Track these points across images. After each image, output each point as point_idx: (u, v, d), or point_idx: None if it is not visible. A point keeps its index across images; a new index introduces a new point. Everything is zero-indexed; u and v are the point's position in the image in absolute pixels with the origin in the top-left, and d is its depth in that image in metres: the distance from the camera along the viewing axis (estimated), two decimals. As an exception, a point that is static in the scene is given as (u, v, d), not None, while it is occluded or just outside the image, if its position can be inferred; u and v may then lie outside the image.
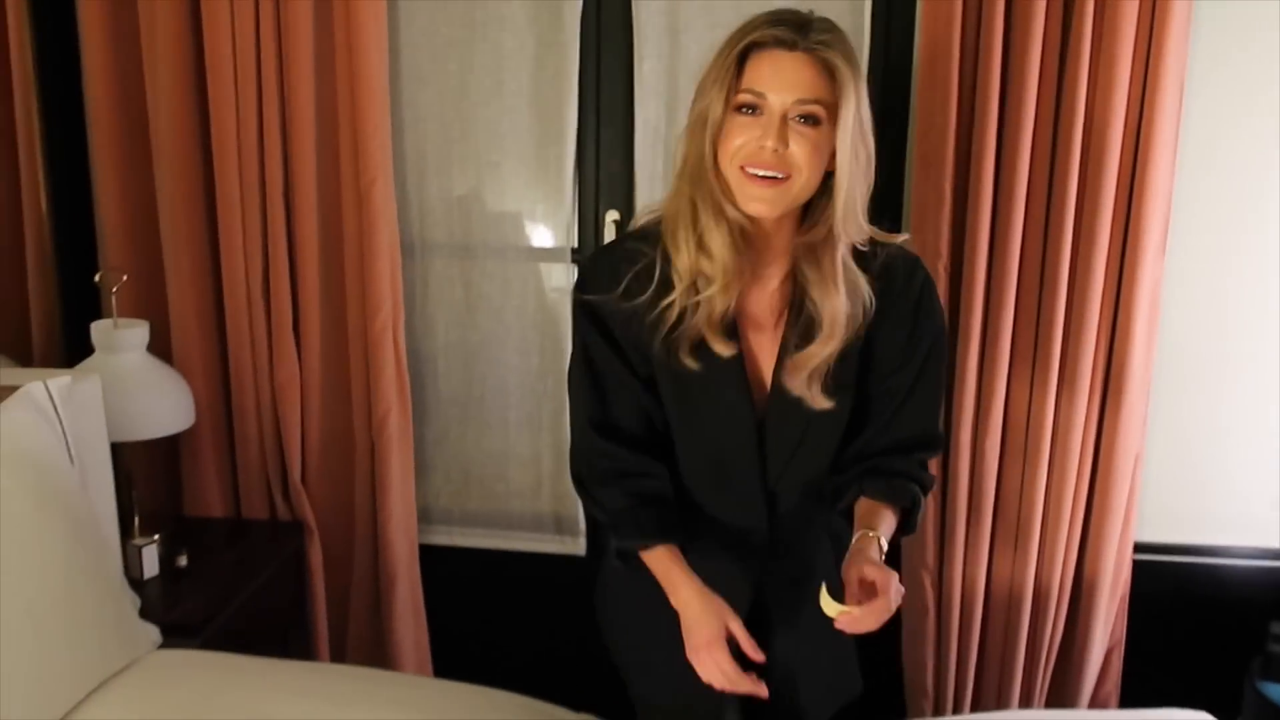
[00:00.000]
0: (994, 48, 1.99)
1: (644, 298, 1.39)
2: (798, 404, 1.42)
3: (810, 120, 1.29)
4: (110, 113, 2.21)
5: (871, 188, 1.38)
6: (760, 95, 1.29)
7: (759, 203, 1.32)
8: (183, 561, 2.08)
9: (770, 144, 1.28)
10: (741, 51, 1.30)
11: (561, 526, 2.46)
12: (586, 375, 1.48)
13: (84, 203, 2.32)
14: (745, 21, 1.33)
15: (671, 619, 1.46)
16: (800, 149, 1.29)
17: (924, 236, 2.09)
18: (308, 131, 2.16)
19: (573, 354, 1.53)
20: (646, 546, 1.46)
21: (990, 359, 2.12)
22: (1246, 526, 2.29)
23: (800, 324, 1.41)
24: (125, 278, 2.14)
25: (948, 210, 2.08)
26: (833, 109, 1.29)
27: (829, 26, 1.31)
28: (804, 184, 1.32)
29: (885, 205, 2.21)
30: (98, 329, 2.05)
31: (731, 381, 1.43)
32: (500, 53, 2.26)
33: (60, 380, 1.77)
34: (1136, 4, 1.94)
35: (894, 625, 1.69)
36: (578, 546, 2.45)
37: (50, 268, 2.28)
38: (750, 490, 1.49)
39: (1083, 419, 2.13)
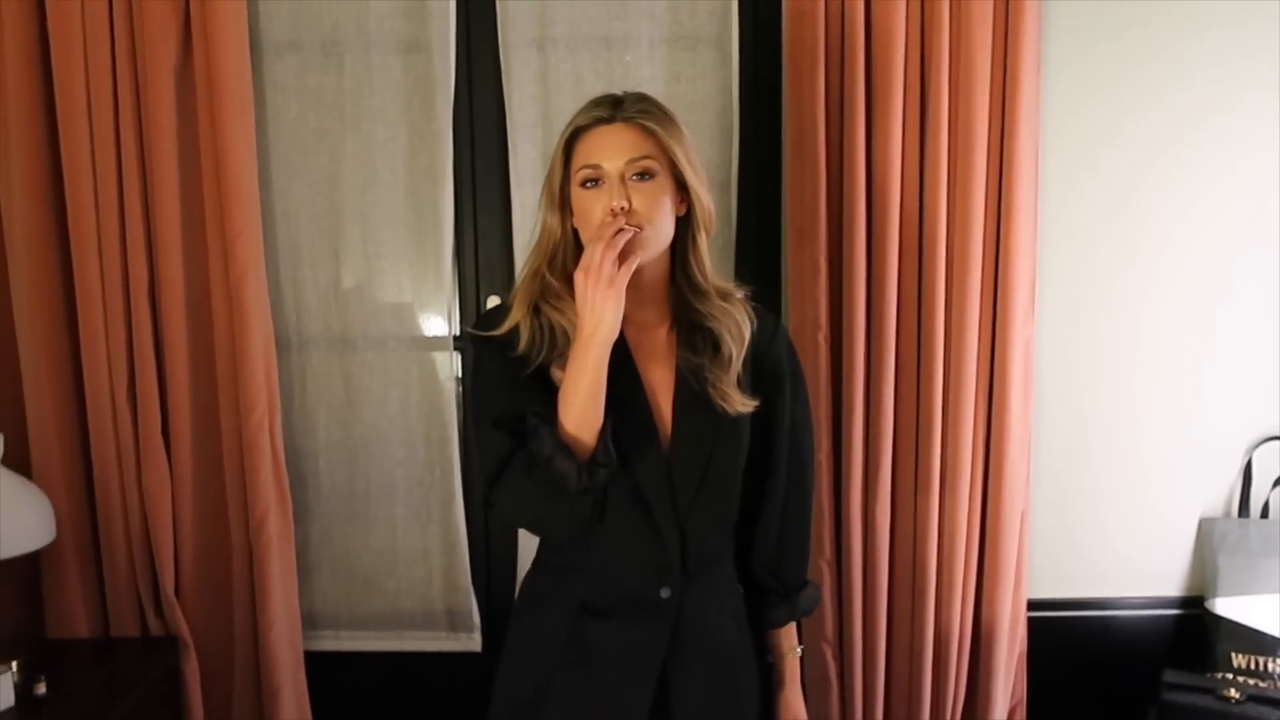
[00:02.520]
0: (857, 124, 2.06)
1: (529, 343, 1.46)
2: (699, 436, 1.48)
3: (645, 175, 1.42)
4: (-40, 215, 2.12)
5: (714, 227, 1.52)
6: (596, 166, 1.42)
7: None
8: (41, 689, 1.93)
9: (616, 203, 1.40)
10: (569, 138, 1.46)
11: (455, 623, 2.38)
12: (497, 387, 1.47)
13: (-68, 310, 2.20)
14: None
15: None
16: (642, 201, 1.41)
17: (802, 308, 2.13)
18: (173, 227, 2.10)
19: (473, 399, 1.54)
20: (542, 419, 1.39)
21: (875, 427, 2.15)
22: (1133, 578, 2.34)
23: (695, 347, 1.50)
24: (-24, 387, 2.03)
25: (824, 281, 2.12)
26: (662, 160, 1.43)
27: (641, 98, 1.47)
28: (658, 229, 1.43)
29: (763, 279, 2.24)
30: (-55, 443, 1.93)
31: (637, 414, 1.47)
32: (372, 144, 2.24)
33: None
34: (989, 65, 2.05)
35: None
36: (473, 643, 2.37)
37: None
38: (665, 524, 1.47)
39: (968, 481, 2.17)
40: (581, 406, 1.38)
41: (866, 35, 2.06)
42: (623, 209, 1.40)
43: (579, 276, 1.37)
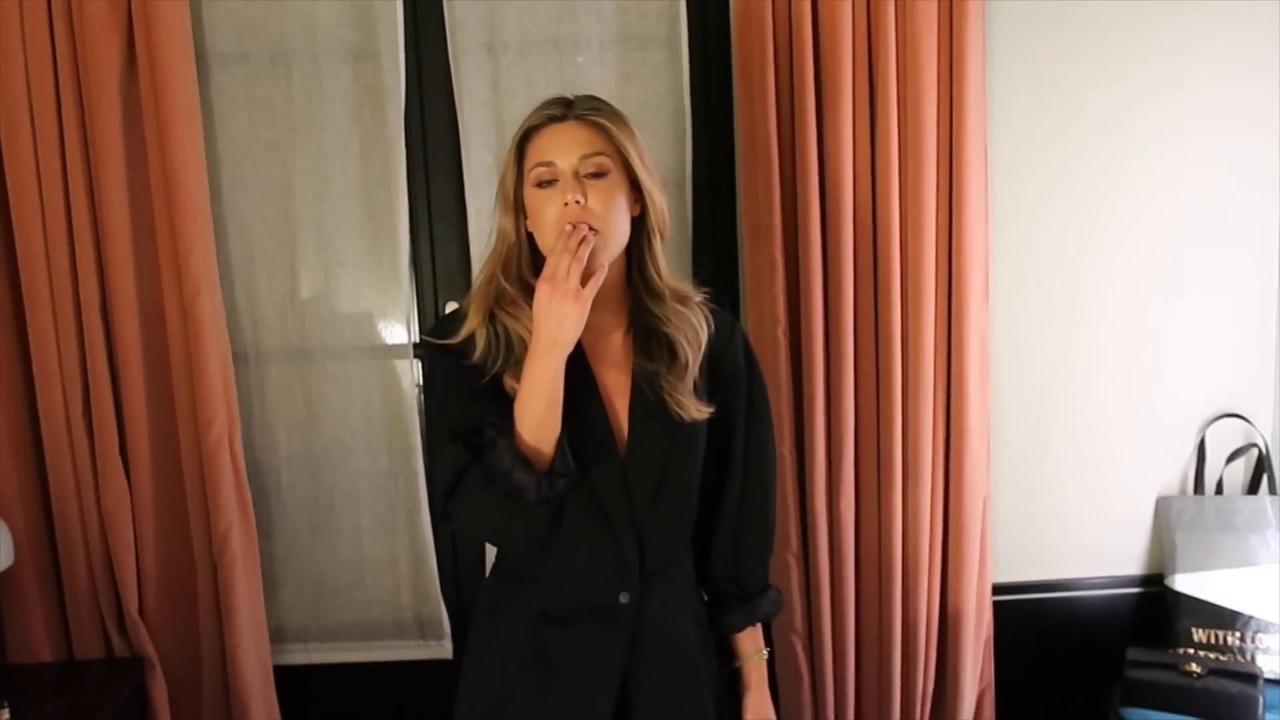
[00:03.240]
0: (808, 121, 2.08)
1: (483, 352, 1.45)
2: (654, 442, 1.47)
3: (598, 174, 1.41)
4: (-97, 238, 2.08)
5: (669, 229, 1.52)
6: (549, 164, 1.41)
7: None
8: (5, 716, 1.90)
9: (570, 196, 1.39)
10: (521, 139, 1.46)
11: (425, 630, 2.37)
12: (450, 400, 1.46)
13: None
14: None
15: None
16: (598, 200, 1.40)
17: (760, 304, 2.14)
18: (124, 243, 2.07)
19: (427, 410, 1.53)
20: (499, 430, 1.38)
21: (836, 420, 2.17)
22: (1093, 558, 2.38)
23: (651, 354, 1.49)
24: (-73, 412, 1.99)
25: (781, 278, 2.13)
26: (615, 158, 1.43)
27: (592, 98, 1.47)
28: (615, 230, 1.42)
29: (721, 276, 2.26)
30: (-104, 470, 1.89)
31: (593, 420, 1.46)
32: (324, 153, 2.23)
33: None
34: (934, 63, 2.07)
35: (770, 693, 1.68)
36: (444, 650, 2.36)
37: None
38: (622, 529, 1.46)
39: (929, 470, 2.19)
40: (540, 416, 1.36)
41: (814, 33, 2.07)
42: (578, 202, 1.38)
43: (542, 286, 1.34)
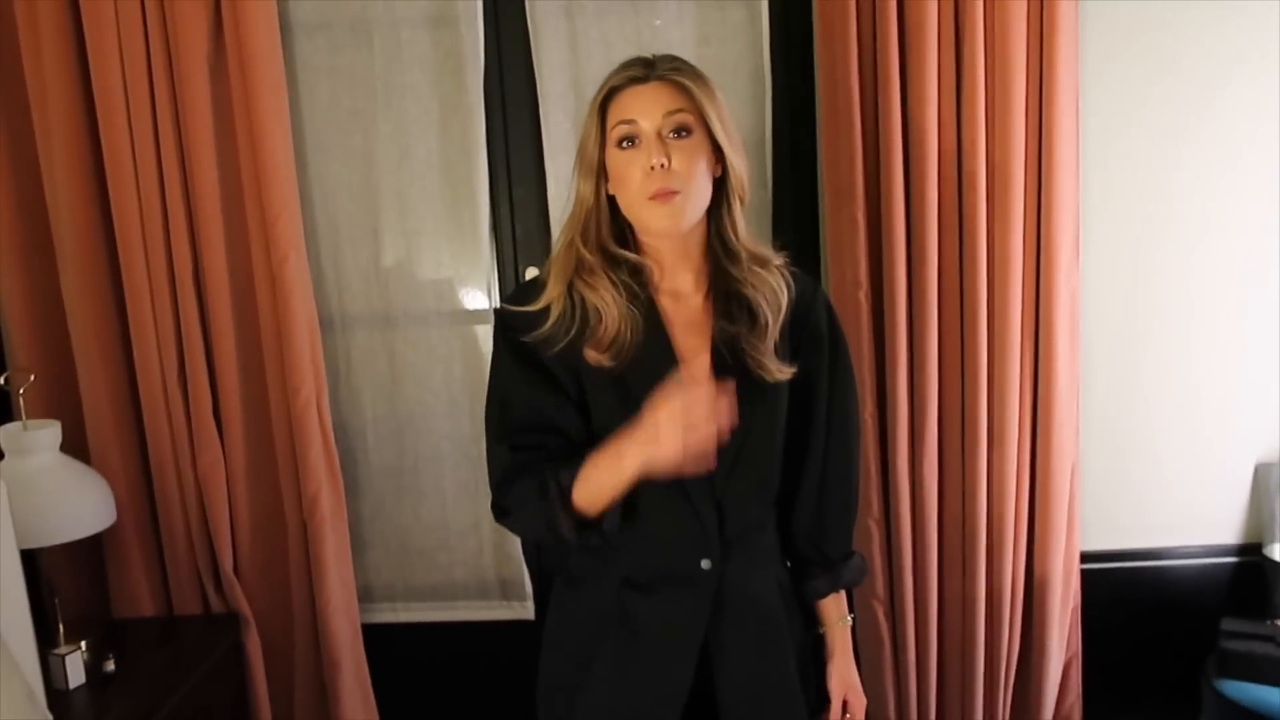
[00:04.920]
0: (891, 78, 2.03)
1: (556, 322, 1.44)
2: (735, 407, 1.41)
3: (682, 132, 1.41)
4: (9, 209, 2.16)
5: (748, 194, 1.49)
6: (632, 122, 1.41)
7: (665, 219, 1.41)
8: (110, 667, 1.99)
9: (655, 159, 1.38)
10: (603, 99, 1.44)
11: (508, 591, 2.41)
12: (505, 393, 1.48)
13: (-14, 304, 2.25)
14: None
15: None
16: (681, 160, 1.39)
17: (842, 267, 2.11)
18: (214, 212, 2.13)
19: (491, 382, 1.52)
20: (573, 476, 1.40)
21: (919, 384, 2.13)
22: (1188, 526, 2.31)
23: (732, 316, 1.47)
24: (33, 377, 2.07)
25: (863, 239, 2.10)
26: (697, 118, 1.41)
27: (673, 57, 1.45)
28: (696, 192, 1.42)
29: (802, 239, 2.23)
30: (5, 433, 1.97)
31: (670, 378, 1.43)
32: (405, 120, 2.25)
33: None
34: (1024, 14, 2.00)
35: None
36: (526, 611, 2.40)
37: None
38: (700, 499, 1.46)
39: (1015, 435, 2.14)
40: (604, 495, 1.38)
41: (898, -12, 2.02)
42: (662, 166, 1.38)
43: (673, 398, 1.29)
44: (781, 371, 1.47)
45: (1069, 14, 2.00)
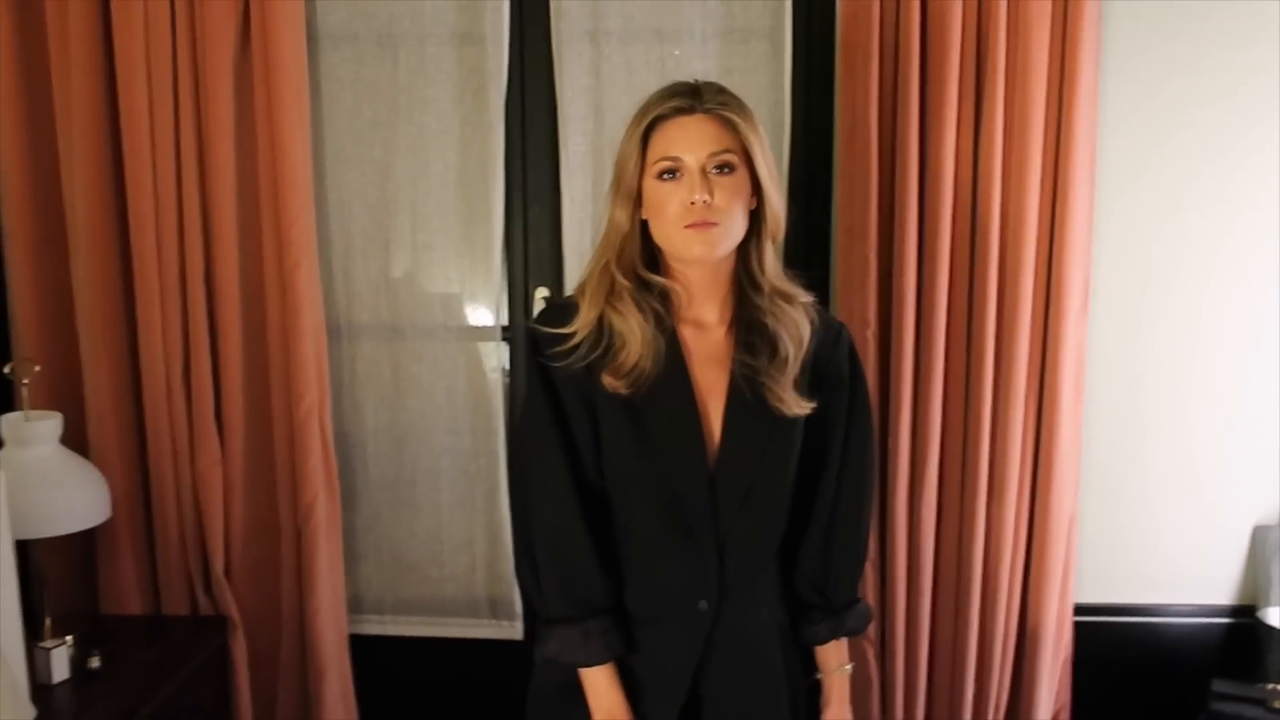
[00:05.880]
0: (910, 120, 2.04)
1: (582, 344, 1.45)
2: (748, 445, 1.45)
3: (725, 169, 1.41)
4: (24, 200, 2.17)
5: (783, 232, 1.51)
6: (676, 159, 1.40)
7: (700, 246, 1.41)
8: (95, 663, 1.98)
9: (699, 196, 1.38)
10: (647, 127, 1.42)
11: (497, 611, 2.40)
12: (542, 431, 1.49)
13: (-4, 292, 2.26)
14: (644, 102, 1.45)
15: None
16: (723, 196, 1.40)
17: (851, 305, 2.11)
18: (229, 215, 2.13)
19: (525, 412, 1.53)
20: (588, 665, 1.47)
21: (922, 427, 2.13)
22: (1184, 584, 2.30)
23: (753, 348, 1.47)
24: (38, 368, 2.07)
25: (874, 279, 2.10)
26: (740, 155, 1.41)
27: (719, 88, 1.44)
28: (734, 224, 1.42)
29: (812, 276, 2.23)
30: (7, 422, 1.97)
31: (684, 427, 1.45)
32: (425, 134, 2.26)
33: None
34: (1045, 64, 2.01)
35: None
36: (515, 631, 2.39)
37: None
38: (704, 539, 1.45)
39: (1015, 484, 2.14)
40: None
41: (922, 29, 2.03)
42: (705, 202, 1.37)
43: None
44: (800, 406, 1.46)
45: (1090, 66, 2.02)
